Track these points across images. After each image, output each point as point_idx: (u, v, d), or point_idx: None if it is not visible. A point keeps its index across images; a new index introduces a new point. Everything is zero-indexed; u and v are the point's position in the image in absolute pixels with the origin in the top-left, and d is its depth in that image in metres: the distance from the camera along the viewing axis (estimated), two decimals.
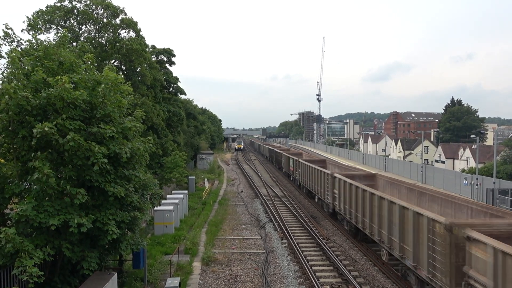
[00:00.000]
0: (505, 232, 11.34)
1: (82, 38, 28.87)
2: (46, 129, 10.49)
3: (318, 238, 21.88)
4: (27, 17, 22.01)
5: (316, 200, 32.12)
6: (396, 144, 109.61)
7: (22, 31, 21.70)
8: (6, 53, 12.45)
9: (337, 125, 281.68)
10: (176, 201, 25.80)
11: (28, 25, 21.36)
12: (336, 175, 24.82)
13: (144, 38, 32.13)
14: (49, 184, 10.46)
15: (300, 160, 39.83)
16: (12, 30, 14.23)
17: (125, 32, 30.95)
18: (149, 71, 31.97)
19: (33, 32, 16.04)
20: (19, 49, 13.73)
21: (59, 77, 11.37)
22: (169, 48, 41.30)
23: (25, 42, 13.96)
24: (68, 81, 11.27)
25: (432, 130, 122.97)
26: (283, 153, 55.20)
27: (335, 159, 46.63)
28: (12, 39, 14.51)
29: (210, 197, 36.28)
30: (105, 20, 29.80)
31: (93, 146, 11.19)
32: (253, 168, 65.76)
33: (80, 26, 29.65)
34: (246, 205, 33.10)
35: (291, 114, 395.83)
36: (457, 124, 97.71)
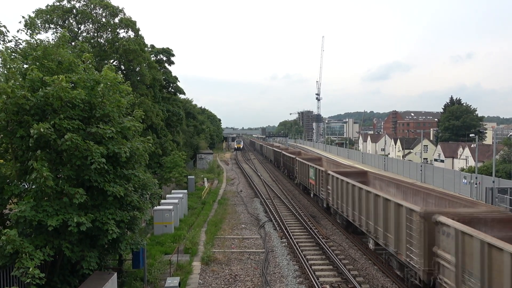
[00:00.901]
0: None
1: (80, 38, 28.84)
2: (42, 130, 10.47)
3: (318, 237, 21.88)
4: (23, 16, 21.77)
5: (371, 245, 19.07)
6: (395, 143, 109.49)
7: (18, 31, 21.40)
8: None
9: (337, 124, 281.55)
10: (176, 201, 25.80)
11: (25, 24, 21.09)
12: (443, 220, 12.08)
13: (143, 38, 32.09)
14: (47, 184, 10.44)
15: (330, 173, 26.31)
16: (5, 27, 13.97)
17: (124, 31, 30.93)
18: (148, 70, 31.93)
19: (31, 32, 15.82)
20: (16, 48, 13.61)
21: (56, 76, 11.33)
22: (168, 48, 41.30)
23: (23, 41, 13.82)
24: (65, 79, 11.23)
25: (431, 129, 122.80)
26: (296, 158, 41.70)
27: (374, 171, 31.63)
28: (9, 38, 14.32)
29: (210, 197, 36.27)
30: (103, 19, 29.76)
31: (91, 145, 11.17)
32: (252, 167, 65.75)
33: (79, 26, 29.61)
34: (245, 205, 33.10)
35: (290, 114, 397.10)
36: (456, 123, 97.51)
